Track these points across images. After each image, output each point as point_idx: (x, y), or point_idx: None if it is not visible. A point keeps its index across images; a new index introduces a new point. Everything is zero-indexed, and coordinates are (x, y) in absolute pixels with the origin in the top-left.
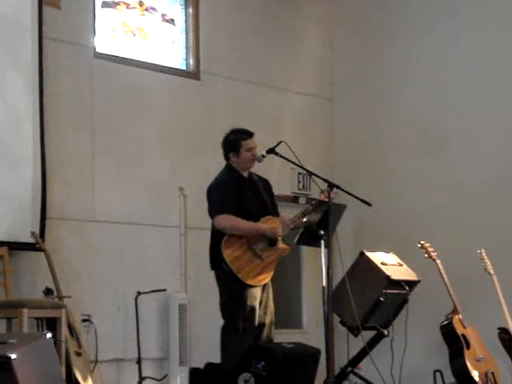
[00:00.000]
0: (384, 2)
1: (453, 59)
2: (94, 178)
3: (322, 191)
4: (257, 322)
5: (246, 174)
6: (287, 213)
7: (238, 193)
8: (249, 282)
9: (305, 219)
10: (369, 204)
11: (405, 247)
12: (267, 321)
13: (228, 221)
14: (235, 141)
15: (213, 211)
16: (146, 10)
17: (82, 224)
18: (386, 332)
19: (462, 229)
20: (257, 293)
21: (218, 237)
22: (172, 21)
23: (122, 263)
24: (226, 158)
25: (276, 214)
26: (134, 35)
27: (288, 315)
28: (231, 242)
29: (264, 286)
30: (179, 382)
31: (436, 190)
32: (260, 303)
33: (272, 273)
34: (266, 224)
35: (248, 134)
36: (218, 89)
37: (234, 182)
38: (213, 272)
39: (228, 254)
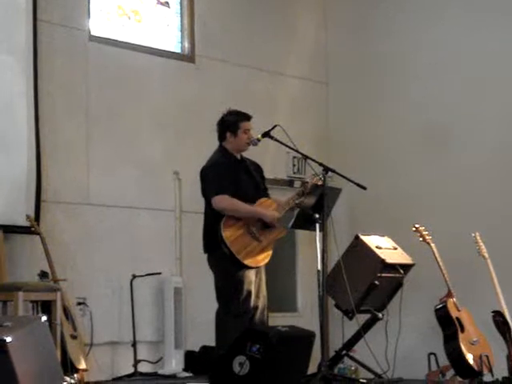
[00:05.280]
0: None
1: (451, 43)
2: (88, 161)
3: (313, 174)
4: (252, 306)
5: (238, 157)
6: (282, 196)
7: (233, 174)
8: (249, 263)
9: (297, 201)
10: (364, 188)
11: (399, 231)
12: (260, 304)
13: (227, 202)
14: (234, 121)
15: (210, 192)
16: None
17: (76, 207)
18: (380, 315)
19: (456, 212)
20: (252, 276)
21: (213, 219)
22: (167, 3)
23: (117, 247)
24: (222, 138)
25: (267, 197)
26: (129, 18)
27: (283, 299)
28: (230, 223)
29: (257, 270)
30: (174, 365)
31: (431, 174)
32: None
33: (270, 253)
34: (263, 207)
35: (247, 117)
36: (212, 72)
37: (229, 163)
38: (206, 255)
39: (228, 235)
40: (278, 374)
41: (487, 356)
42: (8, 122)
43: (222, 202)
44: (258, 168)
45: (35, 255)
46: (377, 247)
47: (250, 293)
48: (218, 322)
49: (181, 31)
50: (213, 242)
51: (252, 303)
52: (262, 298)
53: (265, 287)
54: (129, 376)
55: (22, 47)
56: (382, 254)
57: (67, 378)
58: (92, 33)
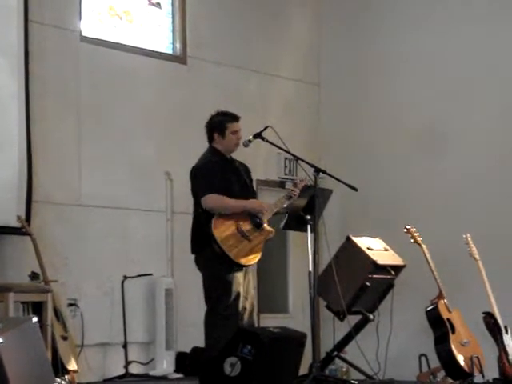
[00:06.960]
0: None
1: (442, 44)
2: (80, 162)
3: (300, 180)
4: (240, 308)
5: (228, 157)
6: (273, 197)
7: (222, 174)
8: (239, 261)
9: (285, 204)
10: (355, 189)
11: (391, 232)
12: (248, 306)
13: (216, 200)
14: (221, 122)
15: (200, 191)
16: None
17: (68, 208)
18: (371, 316)
19: (447, 214)
20: (240, 278)
21: (203, 219)
22: (158, 4)
23: (109, 248)
24: (210, 139)
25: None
26: (121, 19)
27: (274, 300)
28: (220, 222)
29: (245, 272)
30: (165, 366)
31: (422, 175)
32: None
33: (260, 253)
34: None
35: (234, 118)
36: (204, 73)
37: (219, 163)
38: (195, 256)
39: (218, 233)
40: (270, 376)
41: (478, 357)
42: None
43: (211, 201)
44: (246, 169)
45: (26, 256)
46: (368, 248)
47: (238, 294)
48: (206, 323)
49: (172, 32)
50: (201, 242)
51: (240, 305)
52: (250, 299)
53: (252, 289)
54: (120, 377)
55: (14, 48)
56: (373, 255)
57: (58, 380)
58: (83, 34)
